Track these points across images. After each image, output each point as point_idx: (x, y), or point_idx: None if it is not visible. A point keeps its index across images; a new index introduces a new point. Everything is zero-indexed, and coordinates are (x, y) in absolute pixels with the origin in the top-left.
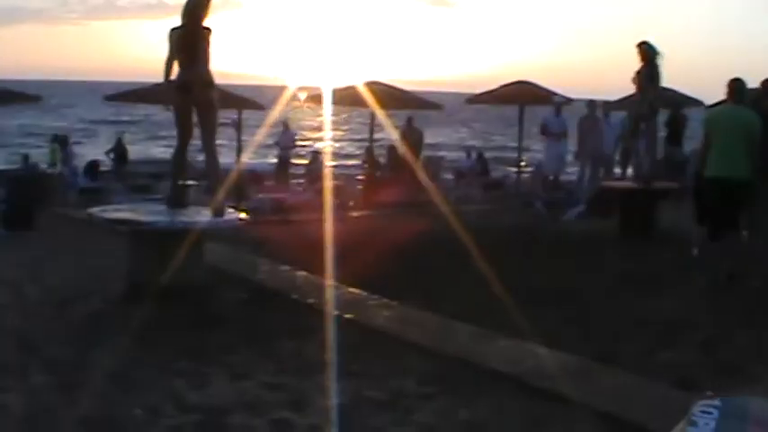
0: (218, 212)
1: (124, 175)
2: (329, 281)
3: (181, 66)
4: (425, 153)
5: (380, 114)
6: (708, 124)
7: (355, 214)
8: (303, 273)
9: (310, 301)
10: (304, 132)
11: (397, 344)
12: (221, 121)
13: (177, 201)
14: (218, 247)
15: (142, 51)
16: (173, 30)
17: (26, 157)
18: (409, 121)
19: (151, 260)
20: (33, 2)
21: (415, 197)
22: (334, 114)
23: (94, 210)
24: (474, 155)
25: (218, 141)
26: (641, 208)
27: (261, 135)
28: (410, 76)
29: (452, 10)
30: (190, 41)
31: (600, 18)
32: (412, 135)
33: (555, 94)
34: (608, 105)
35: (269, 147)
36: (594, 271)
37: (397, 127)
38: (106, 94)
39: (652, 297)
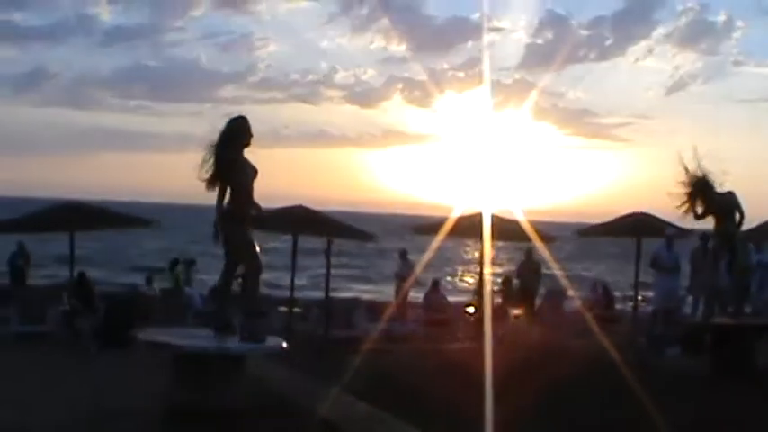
0: (256, 339)
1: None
2: (386, 415)
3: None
4: (548, 286)
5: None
6: None
7: (455, 347)
8: (364, 404)
9: None
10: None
11: None
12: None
13: (223, 326)
14: (289, 372)
15: (305, 179)
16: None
17: (149, 279)
18: (528, 252)
19: (187, 384)
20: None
21: (526, 330)
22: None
23: (140, 332)
24: (600, 288)
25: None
26: (733, 346)
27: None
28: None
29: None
30: (222, 173)
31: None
32: (530, 267)
33: (670, 224)
34: None
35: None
36: (668, 412)
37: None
38: None
39: None
